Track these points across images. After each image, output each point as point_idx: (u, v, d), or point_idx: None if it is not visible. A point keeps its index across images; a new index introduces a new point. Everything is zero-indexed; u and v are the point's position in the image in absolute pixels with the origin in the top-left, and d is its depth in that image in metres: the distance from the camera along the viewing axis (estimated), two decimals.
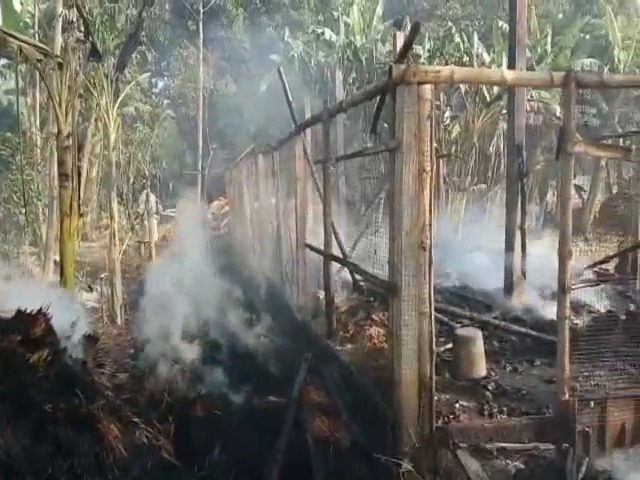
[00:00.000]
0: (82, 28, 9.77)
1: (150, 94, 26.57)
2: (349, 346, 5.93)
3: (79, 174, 7.72)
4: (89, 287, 9.97)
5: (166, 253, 17.01)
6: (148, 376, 5.48)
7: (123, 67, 12.10)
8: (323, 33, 20.48)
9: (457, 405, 4.52)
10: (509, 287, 6.83)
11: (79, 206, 7.43)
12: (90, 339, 5.32)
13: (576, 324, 5.77)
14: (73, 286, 7.87)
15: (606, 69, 16.53)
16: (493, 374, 5.08)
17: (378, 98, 4.96)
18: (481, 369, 5.04)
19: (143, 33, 23.67)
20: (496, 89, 14.37)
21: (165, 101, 27.59)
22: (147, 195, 16.05)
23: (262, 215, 11.34)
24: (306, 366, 5.62)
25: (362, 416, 4.84)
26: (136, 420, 4.48)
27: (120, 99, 10.86)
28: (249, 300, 8.93)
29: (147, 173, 15.33)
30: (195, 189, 20.01)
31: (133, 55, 24.60)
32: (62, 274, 7.54)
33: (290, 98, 8.95)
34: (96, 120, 12.15)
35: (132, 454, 4.12)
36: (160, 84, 29.20)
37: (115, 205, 10.11)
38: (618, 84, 4.77)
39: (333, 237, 7.14)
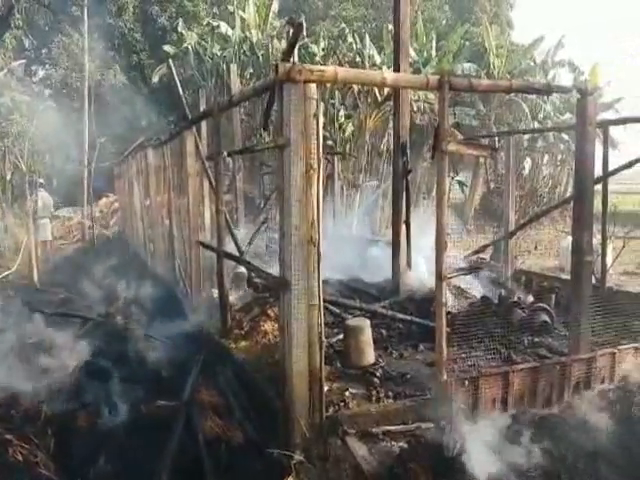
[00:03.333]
0: None
1: (29, 83, 24.37)
2: (244, 343, 5.91)
3: None
4: None
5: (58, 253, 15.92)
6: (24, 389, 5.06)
7: None
8: (218, 26, 20.13)
9: (347, 393, 4.69)
10: (396, 278, 7.21)
11: None
12: None
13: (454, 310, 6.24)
14: None
15: (483, 73, 17.98)
16: (381, 361, 5.32)
17: (269, 94, 4.98)
18: (370, 356, 5.27)
19: (18, 16, 21.72)
20: (387, 90, 15.03)
21: (47, 91, 25.45)
22: (36, 192, 14.81)
23: (154, 212, 10.91)
24: (198, 367, 5.52)
25: (256, 412, 4.86)
26: (9, 437, 4.14)
27: None
28: (140, 301, 8.58)
29: (25, 169, 14.04)
30: (81, 185, 18.74)
31: (7, 40, 22.42)
32: None
33: (181, 91, 8.72)
34: None
35: (4, 474, 3.80)
36: (40, 73, 26.92)
37: None
38: (484, 88, 5.20)
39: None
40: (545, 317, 6.11)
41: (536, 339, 5.81)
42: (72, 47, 21.82)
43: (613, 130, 8.21)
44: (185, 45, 20.12)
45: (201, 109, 11.33)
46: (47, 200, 15.64)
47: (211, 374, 5.55)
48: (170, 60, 11.92)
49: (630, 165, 6.82)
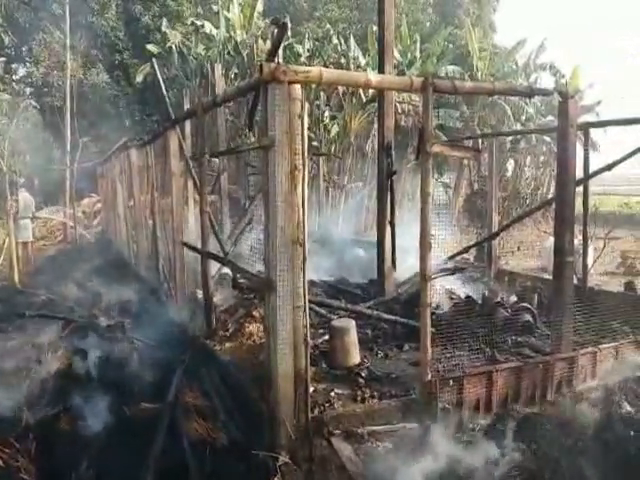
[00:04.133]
0: None
1: (9, 81, 23.99)
2: (228, 345, 5.87)
3: None
4: None
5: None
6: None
7: None
8: (203, 26, 20.01)
9: (332, 393, 4.69)
10: (382, 278, 7.23)
11: None
12: None
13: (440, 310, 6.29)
14: None
15: (466, 76, 18.15)
16: (366, 361, 5.33)
17: (254, 95, 4.96)
18: (355, 357, 5.28)
19: None
20: (371, 91, 15.08)
21: (28, 89, 25.06)
22: (17, 193, 14.52)
23: (138, 212, 10.81)
24: (182, 369, 5.47)
25: (241, 414, 4.83)
26: None
27: None
28: (123, 302, 8.49)
29: (5, 168, 13.80)
30: (63, 185, 18.48)
31: None
32: None
33: (165, 91, 8.66)
34: None
35: None
36: (21, 71, 26.52)
37: None
38: (468, 90, 5.23)
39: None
40: (528, 317, 6.18)
41: (519, 339, 5.86)
42: (53, 45, 21.51)
43: (594, 132, 8.34)
44: (169, 44, 19.97)
45: (185, 109, 11.26)
46: (28, 200, 15.38)
47: (195, 376, 5.51)
48: (154, 59, 11.83)
49: (610, 167, 6.92)
